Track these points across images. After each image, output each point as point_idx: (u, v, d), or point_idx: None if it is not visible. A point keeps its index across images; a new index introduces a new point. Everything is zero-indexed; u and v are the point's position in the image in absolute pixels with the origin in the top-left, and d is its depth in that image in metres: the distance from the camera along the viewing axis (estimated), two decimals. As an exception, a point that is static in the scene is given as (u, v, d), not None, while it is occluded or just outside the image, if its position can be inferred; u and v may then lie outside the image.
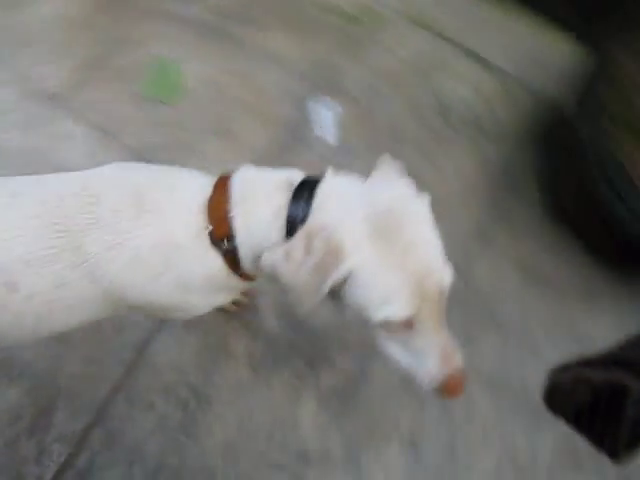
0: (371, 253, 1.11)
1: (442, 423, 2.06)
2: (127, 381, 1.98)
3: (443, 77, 2.95)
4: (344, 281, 1.13)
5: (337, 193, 1.18)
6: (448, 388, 1.15)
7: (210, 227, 1.22)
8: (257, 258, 1.22)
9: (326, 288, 1.12)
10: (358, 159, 2.53)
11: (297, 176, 1.24)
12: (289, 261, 1.12)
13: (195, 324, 2.09)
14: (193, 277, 1.26)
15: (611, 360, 0.61)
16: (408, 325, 1.14)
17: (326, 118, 2.65)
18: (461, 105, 2.85)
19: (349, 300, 1.16)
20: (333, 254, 1.10)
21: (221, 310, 2.09)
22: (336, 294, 1.18)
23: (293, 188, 1.21)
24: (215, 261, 1.25)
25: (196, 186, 1.27)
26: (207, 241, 1.23)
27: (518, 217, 2.57)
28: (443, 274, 1.14)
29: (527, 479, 2.02)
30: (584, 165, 2.26)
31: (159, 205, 1.21)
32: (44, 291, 1.19)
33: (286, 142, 2.55)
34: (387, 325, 1.14)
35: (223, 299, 1.44)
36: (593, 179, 2.20)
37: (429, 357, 1.16)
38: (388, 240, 1.11)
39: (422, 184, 1.28)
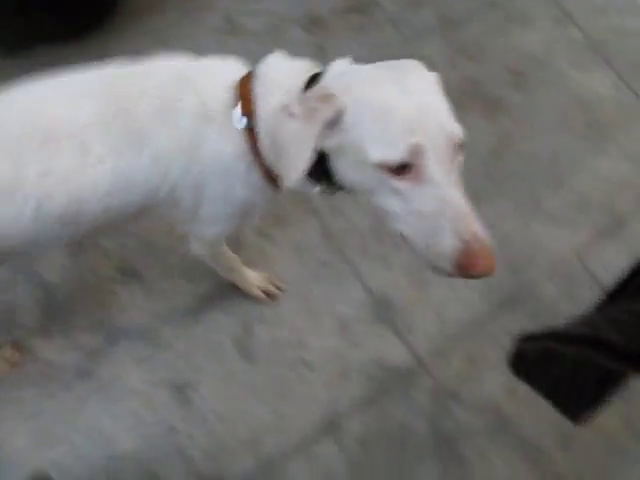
0: (364, 91, 1.10)
1: None
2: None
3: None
4: (336, 130, 1.10)
5: (344, 72, 1.20)
6: (469, 260, 0.99)
7: (239, 103, 1.27)
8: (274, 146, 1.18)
9: (316, 133, 1.08)
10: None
11: (318, 68, 1.28)
12: (284, 112, 1.11)
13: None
14: (220, 153, 1.30)
15: (576, 331, 0.67)
16: (413, 175, 1.04)
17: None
18: None
19: (344, 151, 1.12)
20: (324, 98, 1.10)
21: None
22: (328, 158, 1.16)
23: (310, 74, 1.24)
24: (239, 139, 1.27)
25: (233, 69, 1.35)
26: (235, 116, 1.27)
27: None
28: (450, 121, 1.08)
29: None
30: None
31: (198, 83, 1.29)
32: (112, 156, 1.25)
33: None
34: (386, 170, 1.05)
35: (250, 206, 1.44)
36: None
37: (440, 218, 1.02)
38: (388, 82, 1.11)
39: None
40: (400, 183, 1.05)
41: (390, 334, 2.13)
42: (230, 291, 2.09)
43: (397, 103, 1.06)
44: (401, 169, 1.04)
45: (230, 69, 1.34)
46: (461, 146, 1.09)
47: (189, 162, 1.30)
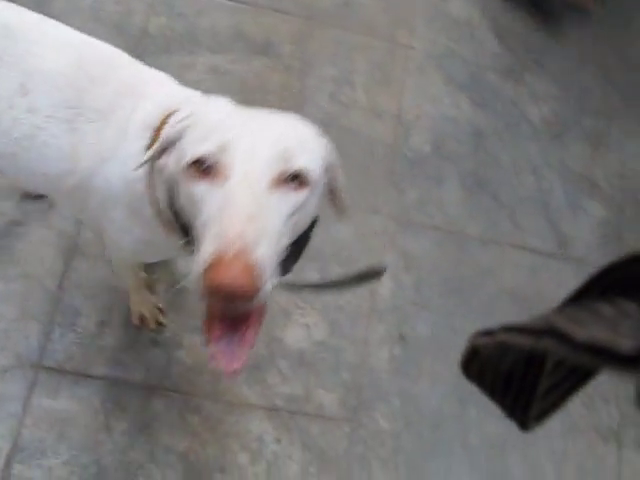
0: (206, 112, 1.02)
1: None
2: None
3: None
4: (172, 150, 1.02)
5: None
6: (211, 274, 0.78)
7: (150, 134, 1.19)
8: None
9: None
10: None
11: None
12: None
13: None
14: (120, 174, 1.22)
15: (532, 323, 0.62)
16: (217, 174, 0.89)
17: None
18: None
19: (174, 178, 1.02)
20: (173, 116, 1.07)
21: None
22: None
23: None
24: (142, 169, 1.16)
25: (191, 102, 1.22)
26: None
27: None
28: (292, 150, 0.93)
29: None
30: None
31: (146, 102, 1.22)
32: (43, 113, 1.23)
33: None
34: (196, 165, 0.92)
35: (144, 245, 1.35)
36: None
37: (214, 220, 0.86)
38: (241, 115, 1.01)
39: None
40: (203, 184, 0.91)
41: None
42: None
43: (230, 118, 0.98)
44: (208, 170, 0.91)
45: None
46: (302, 181, 0.94)
47: (97, 168, 1.24)
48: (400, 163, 2.31)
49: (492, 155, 2.40)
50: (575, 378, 0.64)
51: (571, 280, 2.26)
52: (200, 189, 0.91)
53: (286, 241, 0.92)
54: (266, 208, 0.87)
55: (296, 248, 1.07)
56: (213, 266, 0.78)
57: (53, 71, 1.23)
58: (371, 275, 1.19)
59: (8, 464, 1.74)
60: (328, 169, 1.06)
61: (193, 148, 0.93)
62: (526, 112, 2.52)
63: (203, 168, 0.90)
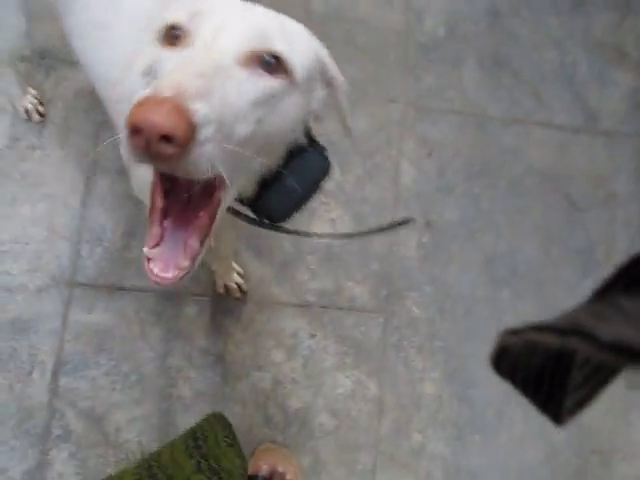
0: None
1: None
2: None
3: None
4: None
5: None
6: (134, 110, 0.68)
7: None
8: None
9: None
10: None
11: None
12: None
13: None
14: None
15: (563, 324, 0.60)
16: (187, 40, 0.83)
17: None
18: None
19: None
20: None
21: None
22: None
23: None
24: None
25: None
26: None
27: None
28: (273, 34, 0.86)
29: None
30: None
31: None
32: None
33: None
34: (168, 33, 0.85)
35: None
36: None
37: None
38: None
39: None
40: (168, 51, 0.84)
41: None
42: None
43: None
44: (177, 38, 0.84)
45: None
46: (279, 69, 0.84)
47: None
48: (414, 49, 2.24)
49: (510, 32, 2.31)
50: (606, 370, 0.64)
51: (601, 153, 2.20)
52: (164, 55, 0.84)
53: (249, 130, 0.81)
54: (224, 78, 0.78)
55: (304, 193, 1.03)
56: (139, 104, 0.68)
57: None
58: (400, 224, 1.17)
59: (55, 377, 1.81)
60: (322, 74, 0.98)
61: (169, 16, 0.86)
62: (544, -17, 2.40)
63: (175, 36, 0.84)
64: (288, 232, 1.18)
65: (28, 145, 1.99)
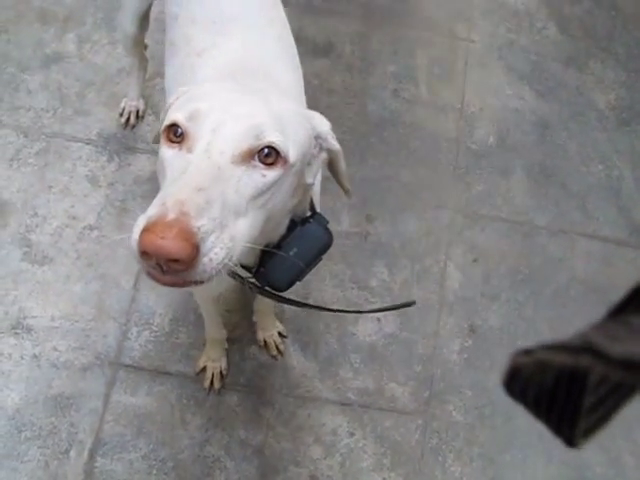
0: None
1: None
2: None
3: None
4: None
5: None
6: (142, 238, 0.76)
7: None
8: None
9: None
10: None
11: None
12: None
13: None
14: None
15: (574, 343, 0.61)
16: (186, 142, 0.89)
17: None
18: None
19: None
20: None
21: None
22: None
23: None
24: None
25: None
26: None
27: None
28: (265, 127, 0.90)
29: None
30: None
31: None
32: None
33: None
34: (171, 131, 0.91)
35: None
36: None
37: (165, 190, 0.85)
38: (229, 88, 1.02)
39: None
40: (172, 150, 0.91)
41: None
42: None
43: (211, 91, 0.98)
44: (180, 137, 0.91)
45: None
46: (274, 159, 0.90)
47: None
48: (465, 156, 2.30)
49: (558, 145, 2.37)
50: (621, 392, 0.64)
51: (646, 267, 2.21)
52: (169, 154, 0.91)
53: (251, 220, 0.89)
54: (223, 182, 0.84)
55: (305, 264, 1.08)
56: (146, 230, 0.77)
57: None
58: (403, 306, 1.29)
59: (92, 457, 1.80)
60: (321, 147, 1.05)
61: (171, 114, 0.93)
62: (592, 100, 2.47)
63: (176, 134, 0.90)
64: (289, 302, 1.25)
65: (86, 225, 2.05)
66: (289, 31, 1.49)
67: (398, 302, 2.02)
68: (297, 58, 1.46)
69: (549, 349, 0.66)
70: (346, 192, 1.17)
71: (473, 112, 2.39)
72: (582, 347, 0.59)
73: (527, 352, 0.71)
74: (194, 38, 1.36)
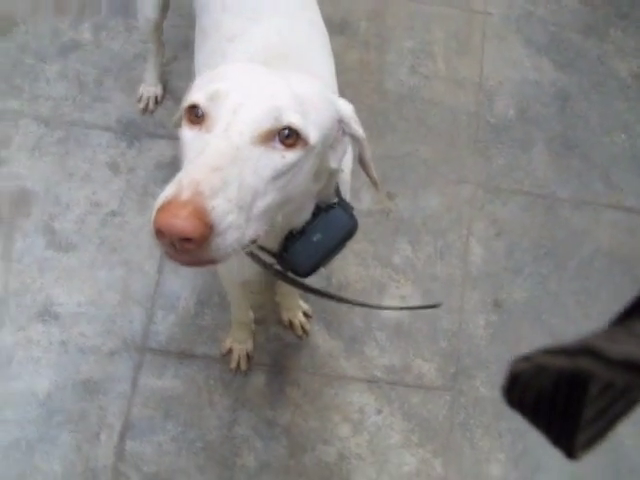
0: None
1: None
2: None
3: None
4: None
5: None
6: (157, 216, 0.77)
7: None
8: None
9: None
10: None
11: None
12: None
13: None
14: None
15: (573, 346, 0.60)
16: (206, 123, 0.89)
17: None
18: None
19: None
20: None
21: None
22: None
23: None
24: None
25: None
26: None
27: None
28: (286, 108, 0.89)
29: None
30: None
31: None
32: None
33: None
34: (191, 112, 0.91)
35: None
36: None
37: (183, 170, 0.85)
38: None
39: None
40: (192, 131, 0.91)
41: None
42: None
43: (231, 71, 0.97)
44: (201, 118, 0.90)
45: None
46: (295, 140, 0.89)
47: None
48: (485, 130, 2.28)
49: (579, 115, 2.34)
50: (622, 404, 0.63)
51: (673, 238, 2.19)
52: (189, 135, 0.91)
53: (269, 201, 0.88)
54: (241, 162, 0.84)
55: (328, 250, 1.08)
56: (161, 209, 0.77)
57: None
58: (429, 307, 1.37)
59: (121, 440, 1.83)
60: (344, 131, 1.03)
61: (192, 95, 0.92)
62: (613, 69, 2.43)
63: (197, 115, 0.90)
64: (309, 290, 1.25)
65: (108, 212, 2.06)
66: (320, 16, 1.46)
67: (421, 279, 2.05)
68: (329, 44, 1.43)
69: (548, 353, 0.66)
70: (374, 184, 1.14)
71: (492, 86, 2.36)
72: (581, 349, 0.58)
73: (526, 358, 0.71)
74: (224, 24, 1.35)
